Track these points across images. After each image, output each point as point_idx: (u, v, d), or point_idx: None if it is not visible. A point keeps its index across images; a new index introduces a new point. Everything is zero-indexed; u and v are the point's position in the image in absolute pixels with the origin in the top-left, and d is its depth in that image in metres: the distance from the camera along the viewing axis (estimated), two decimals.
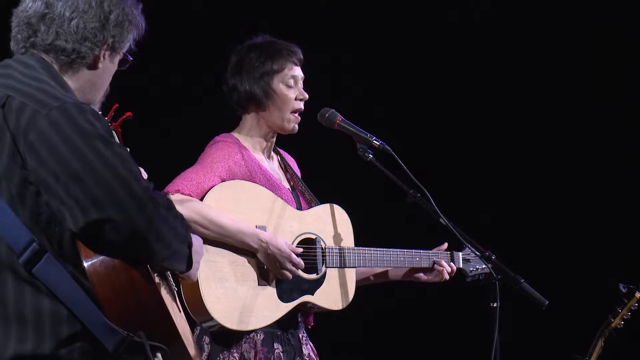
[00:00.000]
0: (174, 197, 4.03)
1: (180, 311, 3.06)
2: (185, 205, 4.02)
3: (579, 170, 6.63)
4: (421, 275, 4.54)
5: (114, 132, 3.57)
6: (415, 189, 4.19)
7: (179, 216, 2.82)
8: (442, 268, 4.48)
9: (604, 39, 6.59)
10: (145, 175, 3.49)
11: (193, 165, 4.19)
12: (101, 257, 2.70)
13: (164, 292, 2.85)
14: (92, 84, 2.94)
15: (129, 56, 3.02)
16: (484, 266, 4.37)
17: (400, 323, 6.64)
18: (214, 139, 4.32)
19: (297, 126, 4.34)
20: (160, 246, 2.71)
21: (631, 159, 6.60)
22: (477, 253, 4.23)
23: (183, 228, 2.81)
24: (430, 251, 4.53)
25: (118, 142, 2.79)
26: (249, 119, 4.36)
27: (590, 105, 6.66)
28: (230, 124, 4.40)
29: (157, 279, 2.86)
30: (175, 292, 3.07)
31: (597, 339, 5.03)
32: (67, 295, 2.70)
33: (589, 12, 6.54)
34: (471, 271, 4.58)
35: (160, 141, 5.96)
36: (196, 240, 2.97)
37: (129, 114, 3.69)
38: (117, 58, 2.97)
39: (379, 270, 4.54)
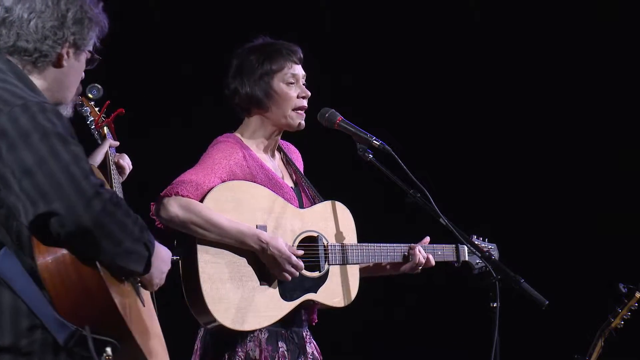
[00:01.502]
0: (172, 200, 4.03)
1: (144, 308, 3.13)
2: (184, 207, 4.03)
3: (579, 171, 6.64)
4: (396, 267, 4.53)
5: (106, 127, 3.61)
6: (415, 189, 4.19)
7: (132, 216, 2.88)
8: (418, 254, 4.46)
9: (603, 39, 6.59)
10: (127, 164, 3.53)
11: (194, 166, 4.20)
12: (53, 254, 2.79)
13: (122, 291, 2.93)
14: (60, 83, 3.03)
15: (95, 54, 3.11)
16: None
17: (400, 323, 6.64)
18: (216, 139, 4.32)
19: (303, 122, 4.34)
20: (108, 243, 2.79)
21: (631, 159, 6.60)
22: (477, 252, 4.23)
23: (137, 227, 2.87)
24: (432, 244, 4.53)
25: (75, 139, 2.86)
26: (252, 121, 4.36)
27: (590, 105, 6.66)
28: (234, 124, 4.40)
29: (123, 280, 2.96)
30: (139, 290, 3.14)
31: (597, 339, 5.03)
32: (22, 289, 2.80)
33: (588, 13, 6.54)
34: (477, 263, 4.58)
35: (162, 142, 5.96)
36: (164, 251, 3.09)
37: (121, 110, 3.71)
38: (83, 56, 3.06)
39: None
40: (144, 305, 3.17)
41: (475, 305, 4.44)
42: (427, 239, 4.52)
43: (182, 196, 4.05)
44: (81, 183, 2.75)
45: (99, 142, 3.78)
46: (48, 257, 2.79)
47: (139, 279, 3.14)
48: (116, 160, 3.68)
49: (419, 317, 6.61)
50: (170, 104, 6.10)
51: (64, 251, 2.79)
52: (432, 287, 4.96)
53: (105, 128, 3.71)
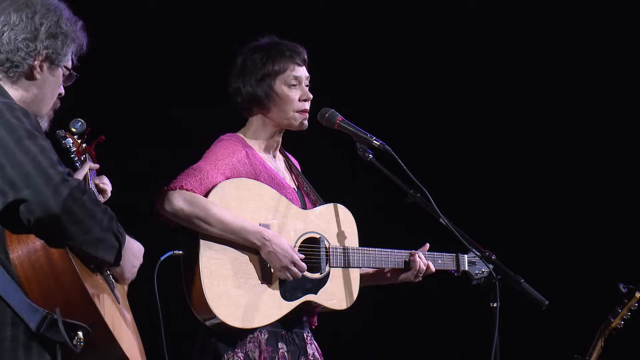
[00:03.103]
0: (177, 193, 4.04)
1: (118, 305, 3.18)
2: (188, 201, 4.04)
3: (579, 170, 6.64)
4: (396, 274, 4.52)
5: (87, 154, 3.71)
6: (415, 189, 4.19)
7: (101, 206, 2.98)
8: (418, 261, 4.45)
9: (602, 41, 6.60)
10: (108, 185, 3.59)
11: (197, 161, 4.20)
12: (24, 243, 2.89)
13: (94, 282, 3.00)
14: (34, 95, 3.15)
15: (71, 71, 3.21)
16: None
17: (400, 323, 6.64)
18: (220, 137, 4.34)
19: (306, 122, 4.34)
20: (77, 229, 2.89)
21: (631, 159, 6.60)
22: (477, 253, 4.23)
23: (106, 217, 2.97)
24: (433, 252, 4.53)
25: (43, 136, 2.97)
26: (254, 121, 4.37)
27: (590, 106, 6.66)
28: (238, 125, 4.41)
29: (95, 274, 3.03)
30: (113, 288, 3.20)
31: (597, 339, 5.03)
32: None
33: (586, 16, 6.55)
34: (477, 274, 4.58)
35: (166, 140, 5.97)
36: (136, 245, 3.20)
37: (101, 137, 3.79)
38: (59, 71, 3.18)
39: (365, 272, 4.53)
40: (119, 303, 3.21)
41: (475, 306, 4.44)
42: (427, 245, 4.52)
43: (187, 190, 4.06)
44: (48, 171, 2.86)
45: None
46: (19, 248, 2.89)
47: (111, 275, 3.20)
48: (96, 183, 3.73)
49: (420, 317, 6.61)
50: (175, 104, 6.10)
51: (34, 238, 2.88)
52: (433, 287, 4.96)
53: (86, 155, 3.77)
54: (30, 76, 3.12)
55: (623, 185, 6.65)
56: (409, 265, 4.46)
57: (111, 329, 2.96)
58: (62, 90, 3.25)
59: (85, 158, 3.77)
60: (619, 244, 6.53)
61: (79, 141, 3.78)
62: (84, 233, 2.91)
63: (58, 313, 2.85)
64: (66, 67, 3.20)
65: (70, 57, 3.20)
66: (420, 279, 4.49)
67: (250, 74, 4.30)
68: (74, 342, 2.86)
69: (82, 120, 3.82)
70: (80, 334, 2.87)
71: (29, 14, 3.10)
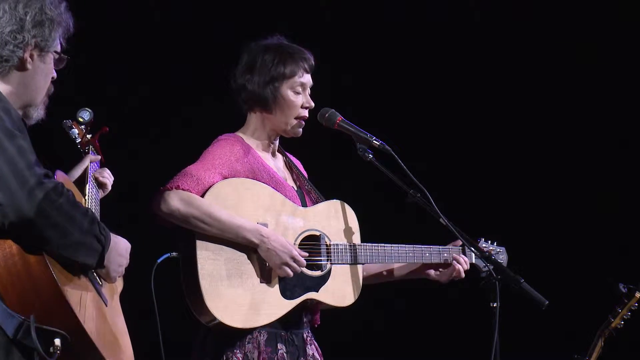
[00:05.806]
0: (173, 193, 4.03)
1: (106, 308, 3.14)
2: (185, 201, 4.03)
3: (579, 171, 6.64)
4: (431, 272, 4.51)
5: (91, 146, 3.67)
6: (415, 189, 4.18)
7: (81, 208, 2.93)
8: (458, 265, 4.45)
9: (602, 38, 6.61)
10: (108, 179, 3.54)
11: (195, 161, 4.19)
12: (0, 247, 2.83)
13: (76, 286, 2.95)
14: (26, 86, 3.07)
15: (61, 54, 3.13)
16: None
17: (400, 323, 6.64)
18: (218, 137, 4.32)
19: (301, 130, 4.34)
20: (54, 233, 2.84)
21: (631, 159, 6.60)
22: (477, 253, 4.23)
23: (86, 219, 2.92)
24: (441, 247, 4.50)
25: (24, 134, 2.90)
26: (254, 119, 4.36)
27: (591, 105, 6.66)
28: (237, 124, 4.40)
29: (81, 276, 2.99)
30: (100, 290, 3.14)
31: (597, 339, 5.03)
32: None
33: (587, 16, 6.56)
34: (484, 266, 4.56)
35: (165, 140, 5.97)
36: (122, 243, 3.14)
37: (105, 128, 3.77)
38: (49, 57, 3.10)
39: (389, 268, 4.51)
40: (107, 305, 3.17)
41: (475, 306, 4.44)
42: (459, 242, 4.48)
43: (183, 190, 4.05)
44: (24, 173, 2.81)
45: None
46: None
47: (98, 277, 3.15)
48: (96, 176, 3.69)
49: (420, 317, 6.61)
50: (167, 106, 6.10)
51: (11, 242, 2.83)
52: (433, 287, 4.95)
53: (89, 147, 3.76)
54: (21, 68, 3.05)
55: (623, 185, 6.65)
56: (413, 259, 4.44)
57: (91, 335, 2.90)
58: (55, 74, 3.16)
59: (88, 150, 3.75)
60: (619, 244, 6.52)
61: (84, 131, 3.77)
62: (62, 237, 2.86)
63: (32, 320, 2.80)
64: (56, 52, 3.11)
65: (58, 41, 3.11)
66: (455, 277, 4.47)
67: (259, 74, 4.28)
68: (51, 349, 2.82)
69: (89, 110, 3.81)
70: (57, 341, 2.83)
71: (12, 4, 3.02)
